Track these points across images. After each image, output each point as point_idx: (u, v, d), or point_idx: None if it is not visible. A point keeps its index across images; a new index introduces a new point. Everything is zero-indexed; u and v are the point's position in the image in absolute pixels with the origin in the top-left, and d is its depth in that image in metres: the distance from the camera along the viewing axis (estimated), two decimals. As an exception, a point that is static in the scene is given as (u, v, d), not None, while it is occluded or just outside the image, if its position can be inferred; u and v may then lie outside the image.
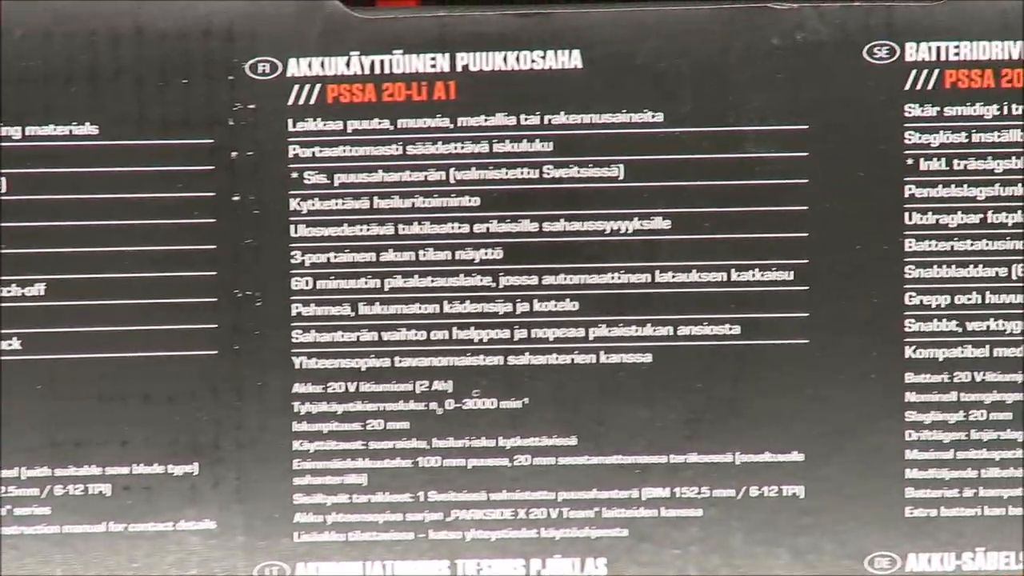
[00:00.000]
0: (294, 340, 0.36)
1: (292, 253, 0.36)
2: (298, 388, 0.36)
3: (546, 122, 0.36)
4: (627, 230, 0.36)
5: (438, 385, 0.36)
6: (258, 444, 0.36)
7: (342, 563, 0.37)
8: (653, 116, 0.36)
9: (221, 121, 0.35)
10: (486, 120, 0.36)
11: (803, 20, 0.36)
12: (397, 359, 0.36)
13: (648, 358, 0.37)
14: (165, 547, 0.36)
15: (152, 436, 0.36)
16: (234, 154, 0.36)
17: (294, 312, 0.36)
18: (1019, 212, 0.36)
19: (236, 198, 0.36)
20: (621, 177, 0.36)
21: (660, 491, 0.37)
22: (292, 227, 0.36)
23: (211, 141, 0.35)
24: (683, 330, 0.37)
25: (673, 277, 0.36)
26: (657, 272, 0.36)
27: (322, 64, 0.35)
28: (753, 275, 0.36)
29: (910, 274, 0.36)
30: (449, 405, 0.36)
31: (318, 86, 0.36)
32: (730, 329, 0.37)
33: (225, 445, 0.36)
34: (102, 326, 0.35)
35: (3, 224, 0.35)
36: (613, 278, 0.36)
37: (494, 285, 0.36)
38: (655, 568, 0.37)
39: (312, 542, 0.37)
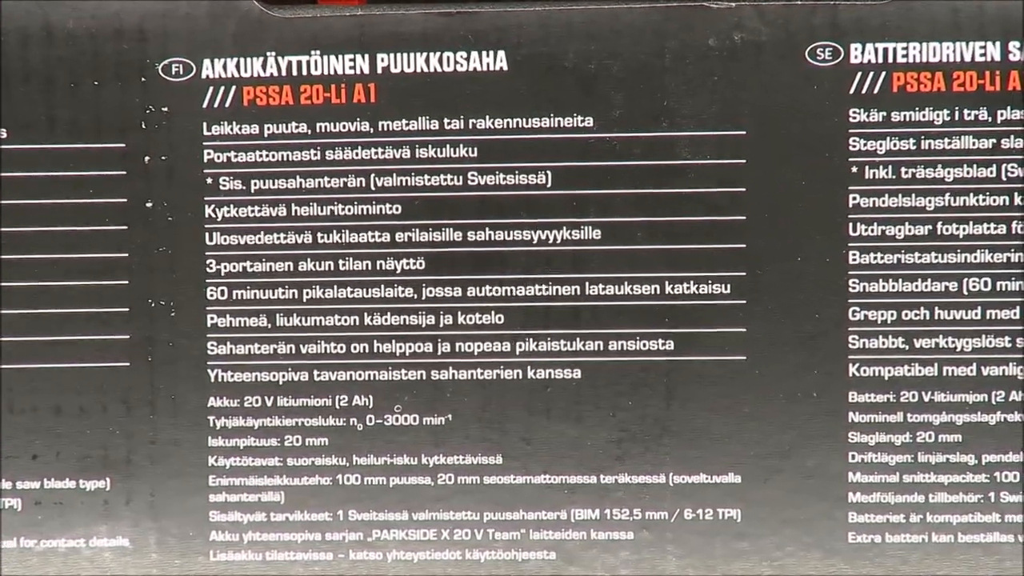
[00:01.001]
0: (209, 352, 0.35)
1: (207, 262, 0.35)
2: (213, 402, 0.35)
3: (470, 126, 0.34)
4: (555, 240, 0.35)
5: (358, 400, 0.35)
6: (172, 459, 0.35)
7: None
8: (582, 121, 0.35)
9: (133, 124, 0.34)
10: (408, 124, 0.35)
11: (742, 20, 0.34)
12: (316, 373, 0.35)
13: (577, 374, 0.35)
14: (78, 564, 0.36)
15: (63, 450, 0.35)
16: (147, 159, 0.34)
17: (209, 323, 0.35)
18: (971, 223, 0.34)
19: (149, 204, 0.35)
20: (549, 184, 0.35)
21: (589, 512, 0.35)
22: (207, 235, 0.35)
23: (123, 145, 0.34)
24: (614, 345, 0.35)
25: (603, 289, 0.35)
26: (587, 284, 0.35)
27: (237, 65, 0.34)
28: (688, 288, 0.35)
29: (854, 288, 0.35)
30: (370, 421, 0.35)
31: (233, 88, 0.34)
32: (663, 344, 0.35)
33: (138, 460, 0.35)
34: (9, 336, 0.35)
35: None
36: (541, 290, 0.35)
37: (416, 296, 0.35)
38: None
39: (229, 561, 0.36)
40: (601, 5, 0.34)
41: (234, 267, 0.35)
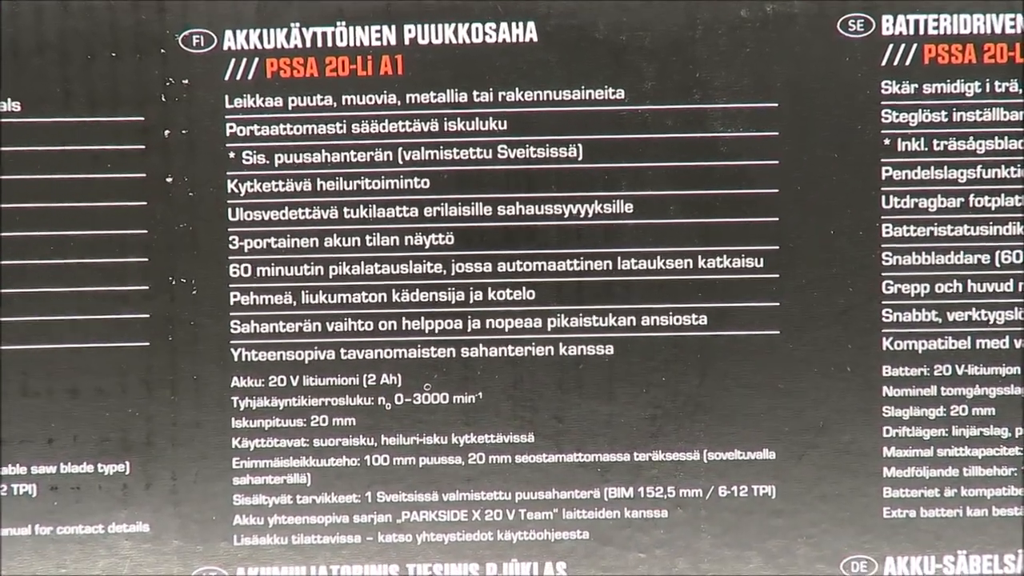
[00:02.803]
0: (232, 331, 0.34)
1: (230, 238, 0.34)
2: (236, 382, 0.35)
3: (499, 99, 0.34)
4: (587, 214, 0.35)
5: (386, 379, 0.35)
6: (194, 442, 0.35)
7: (285, 568, 0.35)
8: (613, 93, 0.35)
9: (153, 98, 0.34)
10: (436, 97, 0.34)
11: None
12: (342, 351, 0.35)
13: (610, 350, 0.35)
14: (95, 551, 0.35)
15: (81, 433, 0.35)
16: (167, 132, 0.34)
17: (232, 301, 0.34)
18: (1003, 195, 0.35)
19: (169, 180, 0.34)
20: (580, 158, 0.35)
21: (623, 491, 0.35)
22: (230, 210, 0.34)
23: (142, 119, 0.34)
24: (647, 320, 0.35)
25: (636, 264, 0.35)
26: (619, 259, 0.35)
27: (260, 36, 0.34)
28: (720, 262, 0.35)
29: (887, 261, 0.35)
30: (398, 400, 0.35)
31: (256, 60, 0.34)
32: (696, 319, 0.35)
33: (159, 443, 0.35)
34: (25, 316, 0.34)
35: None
36: (572, 265, 0.35)
37: (445, 272, 0.35)
38: (618, 572, 0.35)
39: (252, 546, 0.35)
40: None
41: (258, 243, 0.34)
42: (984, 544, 0.35)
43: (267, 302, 0.34)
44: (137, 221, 0.34)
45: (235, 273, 0.34)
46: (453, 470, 0.35)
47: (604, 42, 0.34)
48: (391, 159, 0.34)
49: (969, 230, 0.35)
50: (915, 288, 0.35)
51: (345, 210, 0.34)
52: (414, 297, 0.35)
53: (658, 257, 0.35)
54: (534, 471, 0.35)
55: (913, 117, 0.35)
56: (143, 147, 0.34)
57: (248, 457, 0.35)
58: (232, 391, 0.35)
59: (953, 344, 0.35)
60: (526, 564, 0.35)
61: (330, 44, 0.34)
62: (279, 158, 0.34)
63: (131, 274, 0.34)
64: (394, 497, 0.35)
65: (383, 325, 0.35)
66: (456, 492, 0.35)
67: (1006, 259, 0.35)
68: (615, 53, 0.34)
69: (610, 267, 0.35)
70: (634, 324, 0.35)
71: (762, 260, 0.35)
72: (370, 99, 0.34)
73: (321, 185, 0.34)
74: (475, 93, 0.34)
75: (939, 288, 0.35)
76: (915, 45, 0.35)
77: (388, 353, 0.35)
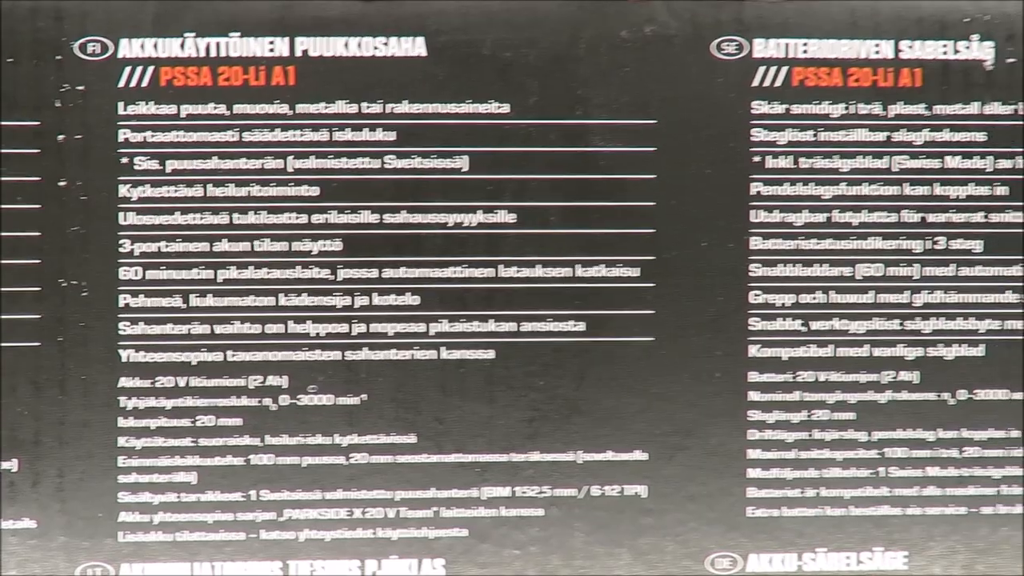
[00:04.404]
0: (121, 332, 0.48)
1: (120, 242, 0.48)
2: (124, 382, 0.48)
3: (388, 111, 0.48)
4: (471, 223, 0.49)
5: (272, 380, 0.49)
6: (81, 440, 0.48)
7: (169, 564, 0.49)
8: (499, 107, 0.49)
9: (48, 103, 0.47)
10: (326, 107, 0.48)
11: (653, 13, 0.49)
12: (230, 353, 0.48)
13: (490, 354, 0.49)
14: (-19, 547, 0.48)
15: (-31, 431, 0.48)
16: (61, 137, 0.47)
17: (122, 303, 0.48)
18: (865, 212, 0.50)
19: (63, 183, 0.47)
20: (466, 169, 0.49)
21: (501, 490, 0.50)
22: (121, 214, 0.48)
23: (37, 123, 0.47)
24: (527, 326, 0.49)
25: (517, 272, 0.49)
26: (501, 267, 0.49)
27: (155, 45, 0.47)
28: (599, 271, 0.49)
29: (755, 272, 0.50)
30: (284, 401, 0.49)
31: (151, 68, 0.47)
32: (575, 326, 0.49)
33: (46, 441, 0.48)
34: (-82, 315, 0.47)
35: None
36: (455, 272, 0.49)
37: (332, 278, 0.48)
38: (494, 569, 0.50)
39: (137, 542, 0.49)
40: None
41: (148, 247, 0.48)
42: (843, 542, 0.51)
43: (156, 305, 0.48)
44: (31, 223, 0.47)
45: (125, 276, 0.48)
46: (336, 469, 0.49)
47: (491, 58, 0.48)
48: (281, 167, 0.48)
49: (832, 244, 0.50)
50: (781, 298, 0.50)
51: (235, 216, 0.48)
52: (301, 301, 0.48)
53: (539, 265, 0.49)
54: (415, 471, 0.49)
55: (782, 136, 0.50)
56: (38, 151, 0.47)
57: (134, 456, 0.48)
58: (120, 391, 0.48)
59: (816, 352, 0.50)
60: (405, 561, 0.50)
61: (223, 54, 0.47)
62: (171, 164, 0.48)
63: (23, 276, 0.47)
64: (277, 495, 0.49)
65: (270, 328, 0.48)
66: (338, 491, 0.49)
67: (867, 272, 0.50)
68: (501, 69, 0.48)
69: (492, 275, 0.49)
70: (515, 330, 0.49)
71: (638, 270, 0.49)
72: (261, 108, 0.48)
73: (212, 191, 0.48)
74: (364, 104, 0.48)
75: (803, 299, 0.50)
76: (785, 68, 0.49)
77: (274, 356, 0.48)
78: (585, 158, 0.49)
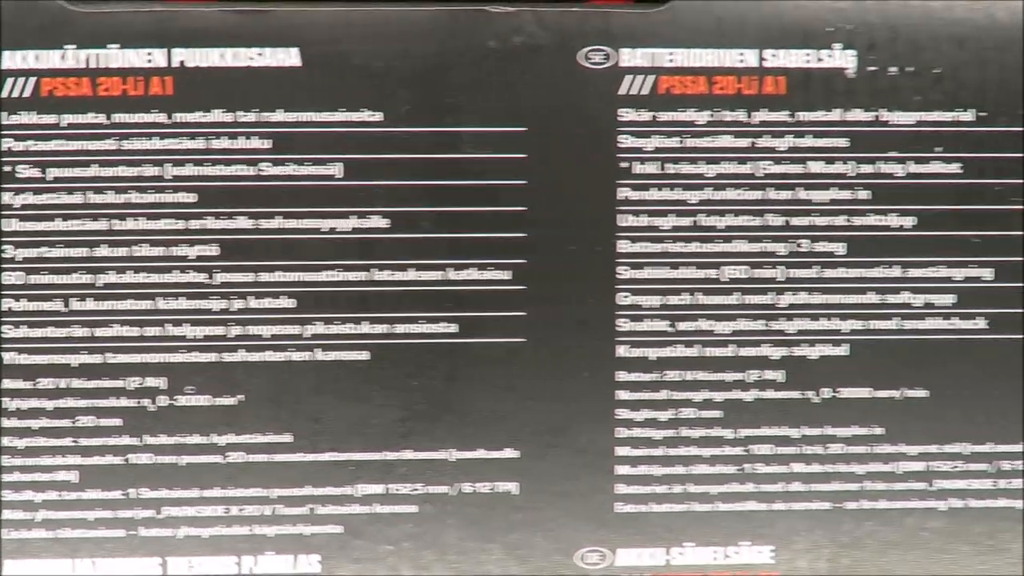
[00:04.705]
0: (4, 335, 0.59)
1: (3, 247, 0.59)
2: (7, 384, 0.59)
3: (264, 119, 0.60)
4: (345, 228, 0.60)
5: (151, 382, 0.60)
6: (-35, 440, 0.59)
7: (51, 561, 0.60)
8: (372, 115, 0.60)
9: (-70, 113, 0.58)
10: (203, 116, 0.59)
11: (520, 24, 0.60)
12: (109, 355, 0.60)
13: (365, 355, 0.61)
14: None
15: None
16: (-57, 146, 0.58)
17: (4, 307, 0.59)
18: (729, 215, 0.62)
19: (-55, 191, 0.58)
20: (339, 176, 0.60)
21: (375, 488, 0.61)
22: (4, 221, 0.59)
23: (-81, 133, 0.58)
24: (400, 328, 0.61)
25: (391, 275, 0.61)
26: (375, 270, 0.61)
27: (36, 57, 0.58)
28: (471, 274, 0.61)
29: (623, 275, 0.62)
30: (162, 402, 0.60)
31: (32, 79, 0.58)
32: (447, 327, 0.61)
33: (-69, 441, 0.59)
34: None
35: None
36: (330, 276, 0.60)
37: (210, 282, 0.60)
38: (369, 564, 0.62)
39: (20, 539, 0.60)
40: (390, 7, 0.60)
41: (30, 253, 0.59)
42: (710, 536, 0.63)
43: (38, 308, 0.59)
44: (-86, 230, 0.58)
45: (8, 281, 0.59)
46: (214, 468, 0.61)
47: (363, 68, 0.60)
48: (159, 174, 0.59)
49: (699, 247, 0.62)
50: (648, 300, 0.62)
51: (114, 222, 0.59)
52: (179, 305, 0.60)
53: (412, 269, 0.61)
54: (291, 469, 0.61)
55: (648, 142, 0.61)
56: (-79, 160, 0.58)
57: (17, 455, 0.60)
58: (2, 393, 0.59)
59: (683, 352, 0.62)
60: (282, 557, 0.61)
61: (103, 65, 0.59)
62: (52, 172, 0.59)
63: (-93, 280, 0.58)
64: (156, 494, 0.61)
65: (149, 331, 0.60)
66: (216, 489, 0.61)
67: (732, 274, 0.62)
68: (373, 79, 0.60)
69: (366, 278, 0.60)
70: (388, 332, 0.61)
71: (509, 273, 0.61)
72: (140, 117, 0.59)
73: (92, 198, 0.59)
74: (240, 113, 0.60)
75: (670, 300, 0.62)
76: (651, 76, 0.61)
77: (153, 357, 0.60)
78: (456, 165, 0.61)
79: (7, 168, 0.59)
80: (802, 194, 0.62)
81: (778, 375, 0.62)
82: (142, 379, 0.60)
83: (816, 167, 0.62)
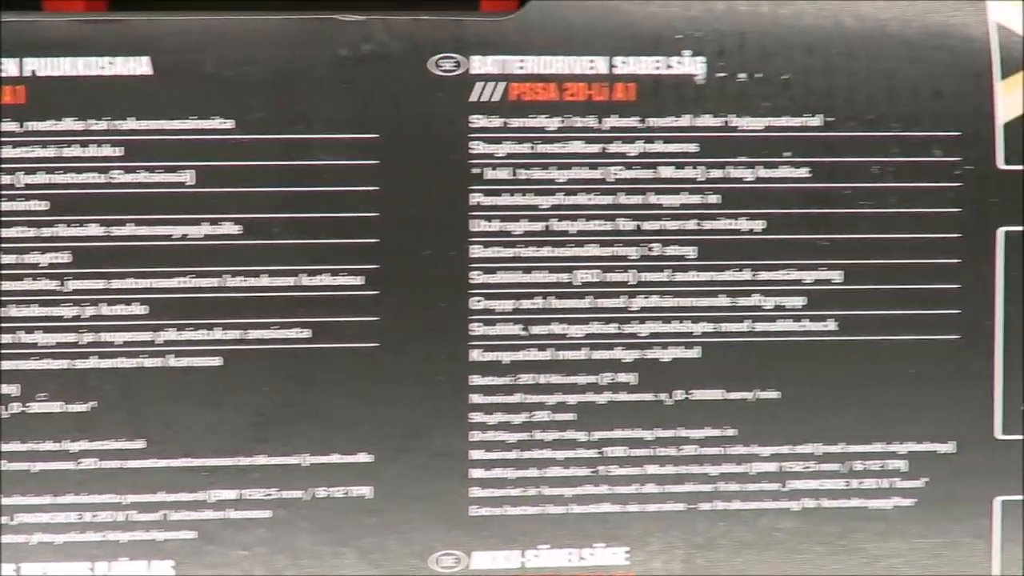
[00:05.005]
0: None
1: None
2: None
3: (115, 127, 0.72)
4: (197, 235, 0.73)
5: (4, 389, 0.72)
6: None
7: None
8: (223, 123, 0.73)
9: None
10: (55, 125, 0.72)
11: (370, 32, 0.73)
12: None
13: (218, 361, 0.73)
14: None
15: None
16: None
17: None
18: (581, 220, 0.75)
19: None
20: (191, 183, 0.73)
21: (228, 493, 0.74)
22: None
23: None
24: (253, 334, 0.73)
25: (243, 281, 0.73)
26: (227, 276, 0.73)
27: None
28: (323, 280, 0.74)
29: (475, 279, 0.74)
30: (14, 408, 0.72)
31: None
32: (300, 333, 0.74)
33: None
34: None
35: None
36: (182, 282, 0.73)
37: (62, 289, 0.72)
38: (222, 569, 0.74)
39: None
40: (241, 16, 0.72)
41: None
42: (565, 539, 0.76)
43: None
44: None
45: None
46: (66, 475, 0.73)
47: (214, 76, 0.72)
48: (12, 183, 0.71)
49: (551, 251, 0.75)
50: (501, 304, 0.75)
51: None
52: (31, 312, 0.72)
53: (264, 275, 0.73)
54: (143, 475, 0.73)
55: (500, 148, 0.74)
56: None
57: None
58: None
59: (536, 355, 0.75)
60: (135, 563, 0.74)
61: None
62: None
63: None
64: (9, 500, 0.73)
65: (2, 339, 0.72)
66: (69, 495, 0.73)
67: (585, 278, 0.75)
68: (224, 86, 0.72)
69: (219, 284, 0.73)
70: (241, 337, 0.73)
71: (362, 278, 0.74)
72: None
73: None
74: (92, 121, 0.72)
75: (523, 304, 0.75)
76: (502, 83, 0.74)
77: (5, 364, 0.72)
78: (309, 171, 0.73)
79: None
80: (653, 199, 0.75)
81: (631, 378, 0.75)
82: (-6, 386, 0.72)
83: (666, 172, 0.75)
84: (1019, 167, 0.75)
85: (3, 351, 0.72)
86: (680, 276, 0.75)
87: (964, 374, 0.77)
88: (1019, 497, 0.77)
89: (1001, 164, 0.75)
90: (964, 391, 0.77)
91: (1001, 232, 0.75)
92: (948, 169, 0.76)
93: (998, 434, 0.77)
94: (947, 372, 0.77)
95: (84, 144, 0.71)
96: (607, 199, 0.74)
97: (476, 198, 0.74)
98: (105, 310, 0.72)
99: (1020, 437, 0.77)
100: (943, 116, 0.76)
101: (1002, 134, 0.75)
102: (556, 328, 0.75)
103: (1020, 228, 0.76)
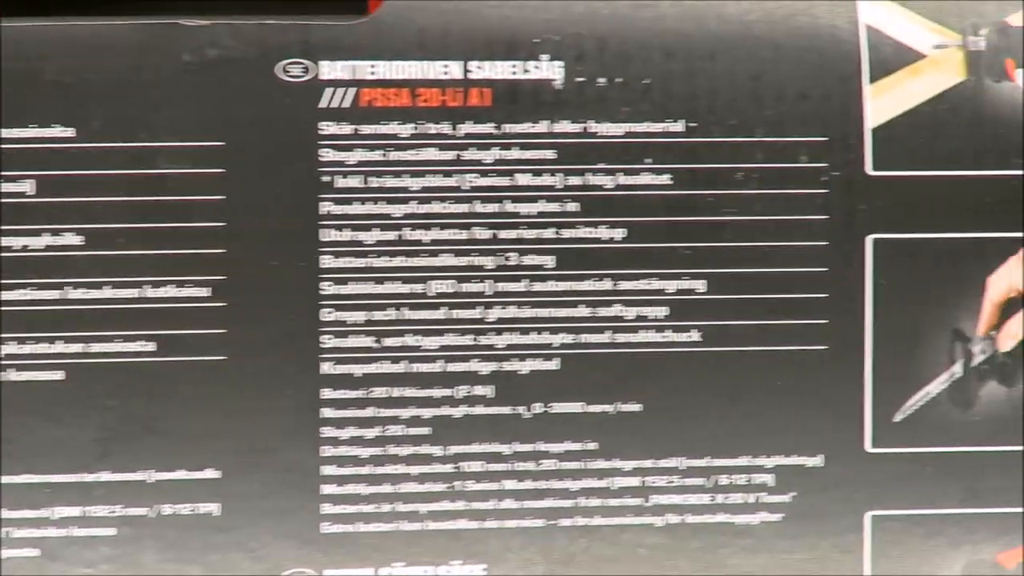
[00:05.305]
0: None
1: None
2: None
3: None
4: (38, 246, 0.85)
5: None
6: None
7: None
8: (64, 131, 0.84)
9: None
10: None
11: (216, 37, 0.85)
12: None
13: (60, 375, 0.85)
14: None
15: None
16: None
17: None
18: (435, 229, 0.87)
19: None
20: (31, 192, 0.84)
21: (71, 510, 0.86)
22: None
23: None
24: (96, 347, 0.85)
25: (86, 293, 0.85)
26: (69, 288, 0.85)
27: None
28: (169, 291, 0.85)
29: (326, 290, 0.86)
30: None
31: None
32: (145, 346, 0.86)
33: None
34: None
35: None
36: (23, 294, 0.85)
37: None
38: None
39: None
40: (82, 21, 0.84)
41: None
42: (420, 555, 0.88)
43: None
44: None
45: None
46: None
47: (55, 84, 0.84)
48: None
49: (404, 261, 0.87)
50: (353, 315, 0.87)
51: None
52: None
53: (108, 286, 0.85)
54: None
55: (351, 156, 0.86)
56: None
57: None
58: None
59: (389, 368, 0.87)
60: None
61: None
62: None
63: None
64: None
65: None
66: None
67: (439, 288, 0.87)
68: (65, 94, 0.84)
69: (61, 296, 0.85)
70: (84, 351, 0.85)
71: (210, 289, 0.86)
72: None
73: None
74: None
75: (376, 315, 0.87)
76: (352, 89, 0.86)
77: None
78: (153, 180, 0.85)
79: None
80: (509, 207, 0.86)
81: (488, 391, 0.87)
82: None
83: (524, 179, 0.86)
84: (889, 173, 0.87)
85: None
86: (538, 286, 0.86)
87: (833, 386, 0.88)
88: (890, 512, 0.89)
89: (870, 170, 0.87)
90: (833, 403, 0.88)
91: (870, 240, 0.87)
92: (815, 175, 0.87)
93: (868, 447, 0.88)
94: (815, 384, 0.88)
95: (-80, 154, 0.83)
96: (462, 207, 0.86)
97: (326, 207, 0.85)
98: (-57, 324, 0.84)
99: (891, 450, 0.88)
100: (810, 120, 0.87)
101: (871, 139, 0.87)
102: (410, 340, 0.87)
103: (890, 235, 0.87)
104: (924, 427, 0.89)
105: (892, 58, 0.88)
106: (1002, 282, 0.88)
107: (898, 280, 0.87)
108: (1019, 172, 0.87)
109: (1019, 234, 0.87)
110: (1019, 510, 0.90)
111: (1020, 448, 0.89)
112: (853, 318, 0.88)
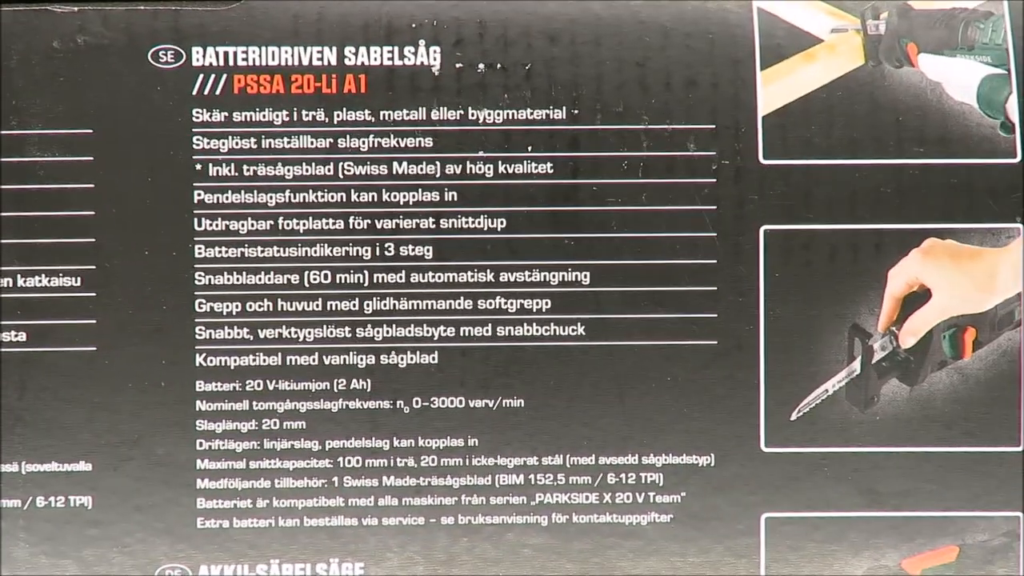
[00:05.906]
0: None
1: None
2: None
3: None
4: None
5: None
6: None
7: None
8: None
9: None
10: None
11: (85, 23, 0.88)
12: None
13: None
14: None
15: None
16: None
17: None
18: (311, 219, 0.89)
19: None
20: None
21: None
22: None
23: None
24: None
25: None
26: None
27: None
28: (39, 281, 0.88)
29: (200, 281, 0.89)
30: None
31: None
32: (15, 336, 0.88)
33: None
34: None
35: None
36: None
37: None
38: None
39: None
40: None
41: None
42: (297, 553, 0.91)
43: None
44: None
45: None
46: None
47: None
48: None
49: (279, 251, 0.89)
50: (227, 306, 0.89)
51: None
52: None
53: None
54: None
55: (224, 144, 0.89)
56: None
57: None
58: None
59: (265, 360, 0.89)
60: None
61: None
62: None
63: None
64: None
65: None
66: None
67: (314, 279, 0.89)
68: None
69: None
70: None
71: (79, 279, 0.88)
72: None
73: None
74: None
75: (250, 307, 0.89)
76: (225, 75, 0.88)
77: None
78: (23, 168, 0.88)
79: None
80: (387, 196, 0.89)
81: (365, 384, 0.89)
82: None
83: (401, 168, 0.89)
84: (782, 162, 0.88)
85: None
86: (416, 277, 0.89)
87: (724, 382, 0.90)
88: (787, 514, 0.90)
89: (762, 159, 0.88)
90: (725, 400, 0.91)
91: (763, 231, 0.88)
92: (704, 164, 0.89)
93: (763, 447, 0.90)
94: (706, 380, 0.90)
95: None
96: (338, 196, 0.89)
97: (199, 195, 0.89)
98: None
99: (787, 450, 0.90)
100: (698, 108, 0.90)
101: (762, 127, 0.88)
102: (285, 332, 0.90)
103: (784, 227, 0.88)
104: (821, 426, 0.90)
105: (786, 43, 0.90)
106: (903, 275, 0.90)
107: (793, 273, 0.89)
108: (920, 161, 0.88)
109: (920, 225, 0.88)
110: (923, 514, 0.90)
111: (921, 449, 0.90)
112: (745, 312, 0.89)
